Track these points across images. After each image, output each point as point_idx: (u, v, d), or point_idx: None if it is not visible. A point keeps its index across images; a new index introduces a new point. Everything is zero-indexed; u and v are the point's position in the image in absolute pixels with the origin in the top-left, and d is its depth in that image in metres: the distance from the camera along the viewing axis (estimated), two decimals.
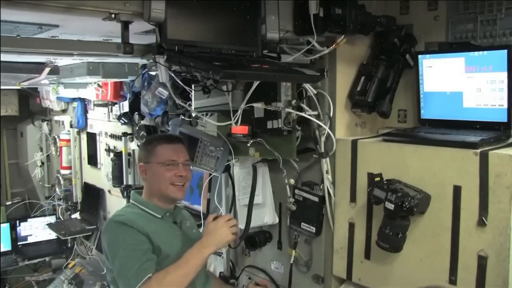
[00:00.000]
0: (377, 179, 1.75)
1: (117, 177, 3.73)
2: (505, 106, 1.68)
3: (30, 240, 4.60)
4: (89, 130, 4.34)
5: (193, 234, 1.99)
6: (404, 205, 1.58)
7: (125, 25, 1.44)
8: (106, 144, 4.02)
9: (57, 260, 4.36)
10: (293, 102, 1.92)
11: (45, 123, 5.05)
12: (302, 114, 1.93)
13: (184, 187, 1.89)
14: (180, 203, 2.00)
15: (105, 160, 4.06)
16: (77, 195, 4.68)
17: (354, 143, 1.89)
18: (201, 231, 2.00)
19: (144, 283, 1.63)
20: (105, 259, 1.83)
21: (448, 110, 1.85)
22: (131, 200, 1.94)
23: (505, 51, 1.66)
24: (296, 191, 2.11)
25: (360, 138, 1.93)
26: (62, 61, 2.49)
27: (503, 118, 1.70)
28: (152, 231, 1.76)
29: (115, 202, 3.92)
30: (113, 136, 3.90)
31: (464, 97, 1.79)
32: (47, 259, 4.46)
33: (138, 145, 3.46)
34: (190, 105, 2.22)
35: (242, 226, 2.33)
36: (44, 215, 4.80)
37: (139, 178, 3.67)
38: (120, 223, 1.77)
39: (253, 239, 2.26)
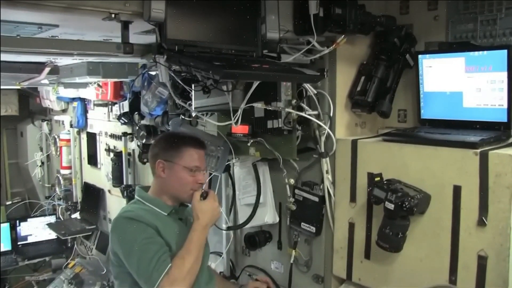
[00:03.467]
0: (377, 179, 1.75)
1: (117, 177, 3.73)
2: (505, 106, 1.68)
3: (30, 240, 4.61)
4: (89, 130, 4.34)
5: None
6: (404, 205, 1.58)
7: (125, 25, 1.44)
8: (106, 144, 4.02)
9: (57, 260, 4.36)
10: (293, 102, 1.92)
11: (45, 123, 5.05)
12: (302, 114, 1.93)
13: None
14: None
15: (105, 160, 4.06)
16: (77, 195, 4.68)
17: (354, 143, 1.89)
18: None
19: (166, 274, 1.64)
20: (111, 254, 1.82)
21: (448, 110, 1.85)
22: (136, 197, 1.92)
23: (505, 51, 1.66)
24: (296, 191, 2.11)
25: (360, 138, 1.93)
26: (62, 61, 2.49)
27: (503, 118, 1.70)
28: (160, 226, 1.76)
29: (115, 202, 3.92)
30: (113, 136, 3.90)
31: (464, 97, 1.79)
32: (47, 259, 4.46)
33: (138, 145, 3.46)
34: (190, 105, 2.22)
35: None
36: (44, 215, 4.80)
37: (139, 178, 3.67)
38: (129, 218, 1.76)
39: (253, 239, 2.26)
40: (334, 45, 1.81)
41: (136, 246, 1.70)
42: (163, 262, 1.67)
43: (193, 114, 2.48)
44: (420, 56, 1.90)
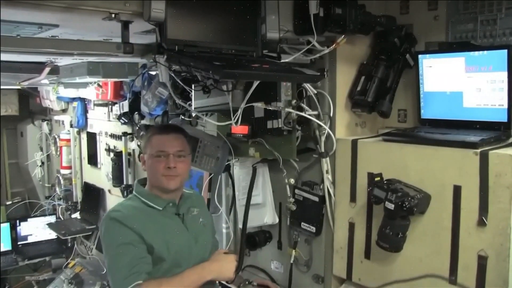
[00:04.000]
0: (377, 179, 1.75)
1: (117, 177, 3.73)
2: (505, 106, 1.68)
3: (30, 239, 4.60)
4: (89, 130, 4.34)
5: (198, 223, 1.93)
6: (404, 205, 1.58)
7: (125, 25, 1.44)
8: (106, 144, 4.02)
9: (57, 260, 4.36)
10: (293, 102, 1.92)
11: (45, 122, 5.05)
12: (302, 114, 1.93)
13: (178, 177, 1.83)
14: (190, 189, 1.99)
15: (105, 160, 4.06)
16: (77, 195, 4.68)
17: (354, 143, 1.89)
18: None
19: (148, 282, 1.64)
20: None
21: (448, 110, 1.85)
22: (134, 192, 1.91)
23: (505, 51, 1.66)
24: (296, 191, 2.11)
25: (360, 138, 1.93)
26: (62, 61, 2.48)
27: (503, 118, 1.70)
28: (148, 228, 1.74)
29: (115, 202, 3.87)
30: (113, 136, 3.90)
31: (464, 97, 1.79)
32: (47, 258, 4.46)
33: (138, 145, 3.46)
34: (190, 105, 2.22)
35: (241, 225, 2.34)
36: (44, 215, 4.80)
37: (139, 177, 3.67)
38: (114, 220, 1.75)
39: (253, 239, 2.26)
40: (334, 45, 1.81)
41: (112, 250, 1.72)
42: (133, 274, 1.65)
43: (193, 114, 2.49)
44: (420, 56, 1.90)
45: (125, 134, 3.64)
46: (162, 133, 1.86)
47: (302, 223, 2.09)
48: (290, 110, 1.91)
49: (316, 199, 2.04)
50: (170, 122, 2.65)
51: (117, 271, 1.68)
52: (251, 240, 2.27)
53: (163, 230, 1.79)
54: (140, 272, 1.66)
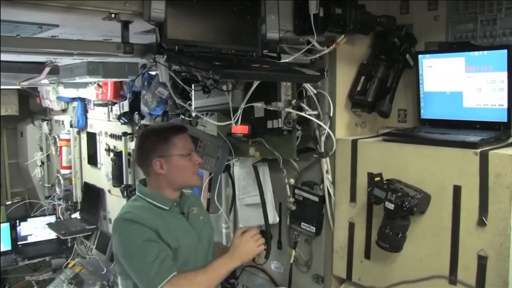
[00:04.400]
0: (377, 179, 1.75)
1: (117, 177, 3.73)
2: (505, 106, 1.68)
3: (30, 239, 4.61)
4: (89, 130, 4.34)
5: (200, 221, 1.93)
6: (404, 205, 1.58)
7: (125, 25, 1.44)
8: (106, 144, 4.02)
9: (57, 260, 4.36)
10: (293, 102, 1.92)
11: (45, 122, 5.05)
12: (302, 114, 1.93)
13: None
14: (187, 189, 1.99)
15: (105, 160, 4.06)
16: (77, 195, 4.68)
17: (354, 143, 1.89)
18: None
19: (169, 281, 1.64)
20: (115, 254, 1.82)
21: (448, 110, 1.85)
22: (137, 193, 1.90)
23: (505, 51, 1.66)
24: (296, 191, 2.11)
25: (360, 138, 1.93)
26: (62, 61, 2.48)
27: (503, 118, 1.70)
28: (161, 226, 1.74)
29: (115, 202, 3.92)
30: (113, 136, 3.90)
31: (464, 97, 1.79)
32: (47, 258, 4.46)
33: None
34: (190, 105, 2.22)
35: (242, 225, 2.34)
36: (44, 215, 4.80)
37: (139, 178, 3.66)
38: (129, 220, 1.74)
39: None
40: (334, 45, 1.81)
41: (136, 249, 1.69)
42: (166, 268, 1.66)
43: (193, 114, 2.49)
44: (420, 56, 1.90)
45: (125, 134, 3.64)
46: (183, 133, 1.87)
47: (302, 223, 2.09)
48: (290, 110, 1.91)
49: (316, 199, 2.04)
50: (170, 122, 2.65)
51: (146, 267, 1.66)
52: None
53: (174, 229, 1.79)
54: (170, 265, 1.69)
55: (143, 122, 3.18)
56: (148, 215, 1.76)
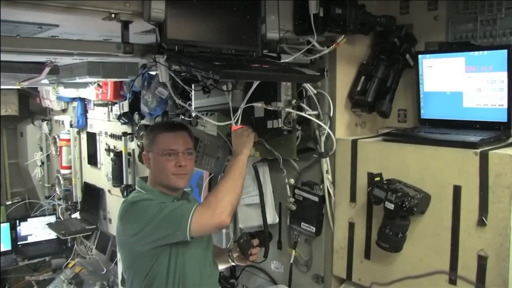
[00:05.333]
0: (377, 179, 1.75)
1: (117, 177, 3.72)
2: (505, 106, 1.68)
3: (30, 239, 4.61)
4: (89, 130, 4.34)
5: None
6: (404, 205, 1.58)
7: (125, 25, 1.44)
8: (106, 144, 4.01)
9: (57, 260, 4.37)
10: (293, 102, 1.92)
11: (45, 122, 5.05)
12: (302, 114, 1.93)
13: (187, 175, 1.86)
14: (188, 188, 2.00)
15: (105, 160, 4.06)
16: (77, 195, 4.68)
17: (354, 143, 1.89)
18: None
19: (199, 205, 1.70)
20: (127, 239, 1.80)
21: (448, 110, 1.85)
22: (137, 187, 1.91)
23: (505, 51, 1.66)
24: (296, 191, 2.11)
25: (360, 138, 1.93)
26: (62, 61, 2.48)
27: (503, 118, 1.70)
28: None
29: (115, 202, 3.91)
30: (113, 136, 3.90)
31: (464, 97, 1.79)
32: (47, 258, 4.47)
33: (138, 145, 3.46)
34: (190, 105, 2.22)
35: (242, 225, 2.34)
36: (44, 215, 4.80)
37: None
38: (139, 200, 1.76)
39: (253, 239, 2.25)
40: (334, 45, 1.81)
41: (155, 210, 1.69)
42: (189, 205, 1.73)
43: (193, 114, 2.49)
44: (420, 56, 1.90)
45: (125, 134, 3.64)
46: (170, 131, 1.85)
47: (302, 223, 2.09)
48: (290, 110, 1.91)
49: (316, 199, 2.04)
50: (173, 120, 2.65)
51: (175, 211, 1.69)
52: (251, 240, 2.26)
53: None
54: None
55: (143, 122, 3.18)
56: (153, 198, 1.78)
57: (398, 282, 1.77)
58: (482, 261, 1.53)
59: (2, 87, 3.76)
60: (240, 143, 1.94)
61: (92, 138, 4.29)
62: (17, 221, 4.60)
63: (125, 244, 1.84)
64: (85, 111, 4.30)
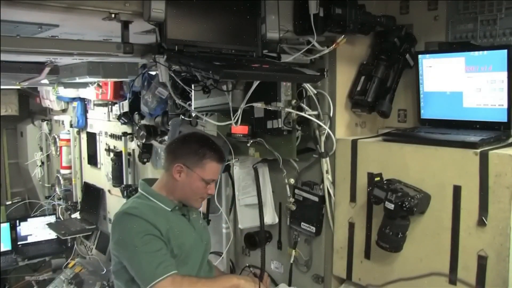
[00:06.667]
0: (377, 179, 1.75)
1: (117, 177, 3.72)
2: (505, 106, 1.68)
3: (30, 239, 4.60)
4: (89, 130, 4.34)
5: (200, 225, 1.99)
6: (404, 205, 1.58)
7: (125, 25, 1.44)
8: (106, 144, 4.02)
9: (57, 260, 4.35)
10: (293, 102, 1.92)
11: (45, 122, 5.05)
12: (302, 114, 1.93)
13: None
14: None
15: (105, 160, 4.06)
16: (77, 195, 4.68)
17: (354, 143, 1.89)
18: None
19: (171, 276, 1.65)
20: (112, 250, 1.81)
21: (448, 110, 1.85)
22: (140, 191, 1.90)
23: (505, 51, 1.66)
24: (296, 191, 2.11)
25: (360, 138, 1.93)
26: (62, 61, 2.48)
27: (503, 118, 1.70)
28: (163, 225, 1.75)
29: (115, 202, 3.91)
30: (113, 136, 3.90)
31: (464, 97, 1.79)
32: (47, 259, 4.46)
33: (138, 145, 3.46)
34: (190, 105, 2.22)
35: (241, 226, 2.34)
36: (44, 215, 4.80)
37: (139, 178, 3.66)
38: (133, 215, 1.75)
39: (253, 239, 2.26)
40: (334, 45, 1.81)
41: (137, 241, 1.69)
42: (168, 262, 1.69)
43: (193, 114, 2.48)
44: (420, 56, 1.90)
45: (125, 134, 3.64)
46: (220, 162, 1.88)
47: (302, 223, 2.09)
48: (290, 110, 1.91)
49: (316, 199, 2.04)
50: (170, 122, 2.64)
51: (147, 261, 1.66)
52: (251, 240, 2.27)
53: (176, 228, 1.81)
54: (172, 263, 1.70)
55: (143, 122, 3.17)
56: (152, 214, 1.77)
57: (398, 282, 1.77)
58: (482, 261, 1.53)
59: (2, 87, 3.76)
60: (246, 283, 1.88)
61: (92, 138, 4.29)
62: (17, 221, 4.60)
63: (112, 248, 1.84)
64: (85, 111, 4.30)
